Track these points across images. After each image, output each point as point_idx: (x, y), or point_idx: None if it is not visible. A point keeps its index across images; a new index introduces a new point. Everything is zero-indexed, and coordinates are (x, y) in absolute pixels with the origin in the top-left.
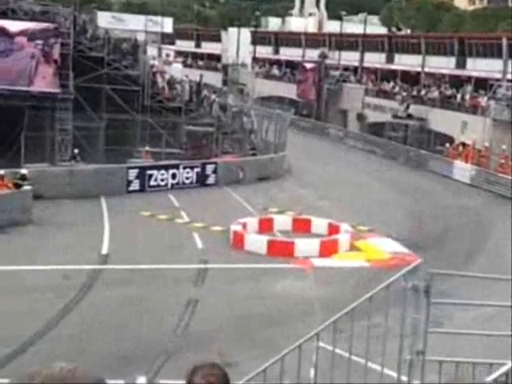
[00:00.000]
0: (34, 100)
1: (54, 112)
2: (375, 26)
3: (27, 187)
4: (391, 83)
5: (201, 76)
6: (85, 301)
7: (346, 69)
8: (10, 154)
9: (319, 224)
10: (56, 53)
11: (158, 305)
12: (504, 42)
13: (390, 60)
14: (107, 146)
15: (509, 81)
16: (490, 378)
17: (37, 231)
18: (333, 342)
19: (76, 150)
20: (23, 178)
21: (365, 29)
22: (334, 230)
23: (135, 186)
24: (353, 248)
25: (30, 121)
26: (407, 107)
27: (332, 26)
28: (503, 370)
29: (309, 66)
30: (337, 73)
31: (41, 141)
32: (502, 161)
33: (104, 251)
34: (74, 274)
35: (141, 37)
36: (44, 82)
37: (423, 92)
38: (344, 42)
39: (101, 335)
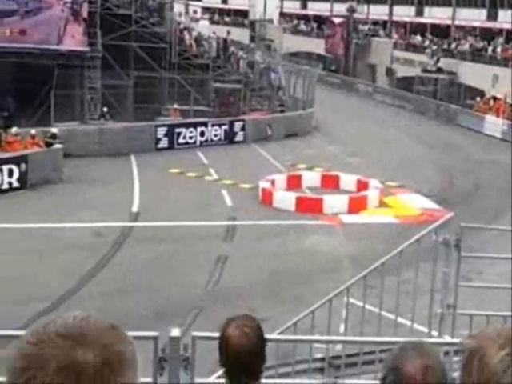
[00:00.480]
0: (63, 58)
1: (82, 70)
2: None
3: (58, 146)
4: (421, 37)
5: (228, 32)
6: (116, 258)
7: (374, 23)
8: (40, 112)
9: (348, 180)
10: (84, 11)
11: (188, 262)
12: None
13: (419, 13)
14: (135, 104)
15: None
16: None
17: (67, 189)
18: (363, 297)
19: (105, 109)
20: (54, 136)
21: None
22: (362, 186)
23: (164, 143)
24: (382, 204)
25: (60, 79)
26: (437, 61)
27: None
28: None
29: (337, 20)
30: (365, 27)
31: (70, 99)
32: None
33: (134, 209)
34: (105, 231)
35: None
36: (73, 41)
37: (453, 45)
38: None
39: (132, 292)
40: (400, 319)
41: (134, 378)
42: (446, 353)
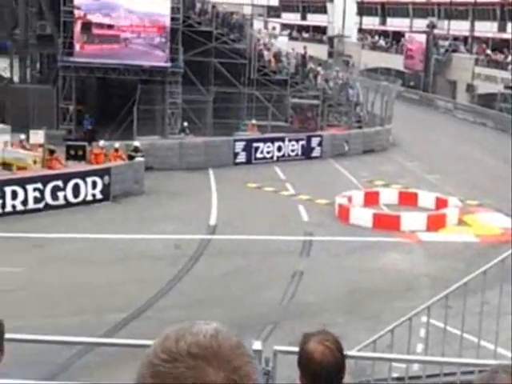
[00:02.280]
0: (145, 74)
1: (164, 86)
2: None
3: (140, 159)
4: (503, 53)
5: (305, 48)
6: (194, 270)
7: (455, 38)
8: (123, 126)
9: (426, 198)
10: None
11: (263, 276)
12: None
13: (502, 29)
14: (215, 119)
15: None
16: None
17: (148, 201)
18: (445, 317)
19: (185, 123)
20: (136, 150)
21: None
22: (441, 203)
23: (242, 158)
24: (461, 223)
25: (142, 94)
26: None
27: None
28: None
29: (416, 36)
30: (446, 43)
31: (152, 114)
32: None
33: (212, 222)
34: (183, 243)
35: (247, 10)
36: (155, 57)
37: None
38: (453, 11)
39: (209, 304)
40: (483, 342)
41: None
42: None
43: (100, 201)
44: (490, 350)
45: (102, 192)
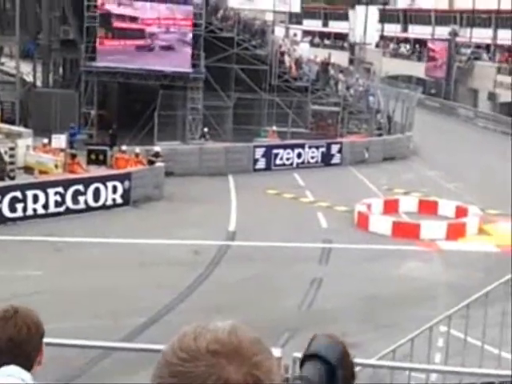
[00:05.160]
0: (167, 79)
1: (185, 91)
2: (510, 1)
3: (160, 164)
4: None
5: (329, 55)
6: (213, 276)
7: (477, 46)
8: (144, 131)
9: (446, 206)
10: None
11: (282, 282)
12: None
13: None
14: (235, 125)
15: None
16: None
17: (168, 207)
18: (465, 327)
19: (206, 129)
20: (157, 155)
21: (499, 4)
22: (461, 212)
23: (261, 164)
24: (481, 232)
25: (163, 100)
26: None
27: (463, 2)
28: None
29: (438, 43)
30: (468, 50)
31: (173, 119)
32: None
33: (231, 228)
34: (202, 249)
35: (269, 17)
36: (177, 62)
37: None
38: (476, 19)
39: (228, 309)
40: (503, 353)
41: None
42: None
43: (120, 205)
44: (509, 361)
45: (122, 197)
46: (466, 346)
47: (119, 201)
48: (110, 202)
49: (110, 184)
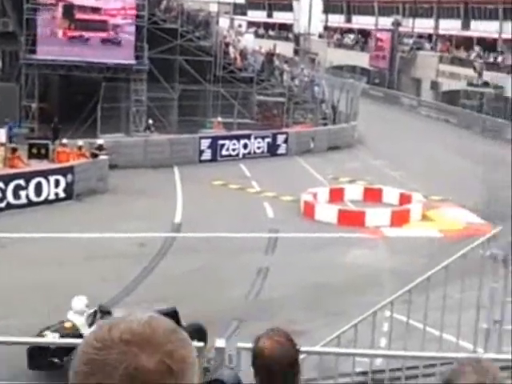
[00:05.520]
0: (110, 72)
1: (129, 83)
2: None
3: (104, 157)
4: (466, 50)
5: (274, 46)
6: (159, 268)
7: (419, 36)
8: (87, 124)
9: (390, 194)
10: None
11: (229, 272)
12: None
13: (465, 26)
14: (180, 117)
15: None
16: None
17: (113, 199)
18: (407, 311)
19: (150, 121)
20: (100, 148)
21: None
22: (405, 199)
23: (207, 155)
24: (425, 218)
25: (106, 92)
26: (480, 75)
27: None
28: None
29: (381, 34)
30: (410, 40)
31: (116, 112)
32: None
33: (177, 220)
34: (148, 241)
35: (213, 8)
36: (120, 54)
37: (500, 59)
38: (418, 9)
39: (175, 301)
40: (445, 335)
41: (195, 380)
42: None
43: (63, 199)
44: (452, 343)
45: (65, 191)
46: (408, 329)
47: (62, 195)
48: (52, 197)
49: (52, 178)
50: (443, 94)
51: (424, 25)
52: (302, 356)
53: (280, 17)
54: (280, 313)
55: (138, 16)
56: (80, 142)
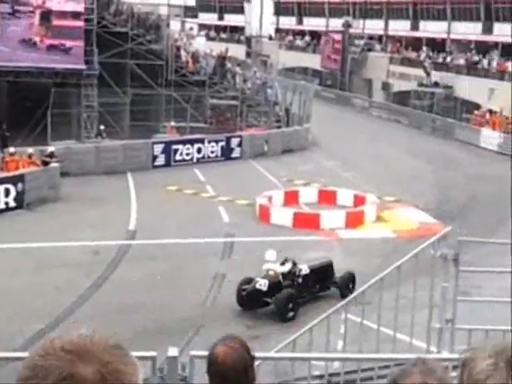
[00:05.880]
0: (59, 77)
1: (79, 89)
2: None
3: (55, 164)
4: (416, 51)
5: (226, 48)
6: (113, 276)
7: (370, 37)
8: (36, 131)
9: (345, 195)
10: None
11: (185, 279)
12: None
13: (414, 27)
14: (132, 122)
15: None
16: None
17: (65, 208)
18: (361, 313)
19: (102, 127)
20: (51, 155)
21: None
22: (359, 201)
23: (161, 161)
24: (379, 219)
25: (56, 98)
26: (428, 74)
27: None
28: None
29: (333, 35)
30: (361, 42)
31: (67, 118)
32: None
33: (131, 227)
34: (102, 249)
35: (164, 10)
36: (69, 59)
37: (449, 59)
38: (368, 10)
39: (131, 310)
40: (398, 335)
41: None
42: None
43: (13, 209)
44: (406, 343)
45: (15, 200)
46: (363, 330)
47: (12, 204)
48: (2, 206)
49: (1, 187)
50: (394, 95)
51: (374, 26)
52: (257, 362)
53: (231, 19)
54: (237, 319)
55: (87, 20)
56: (30, 150)
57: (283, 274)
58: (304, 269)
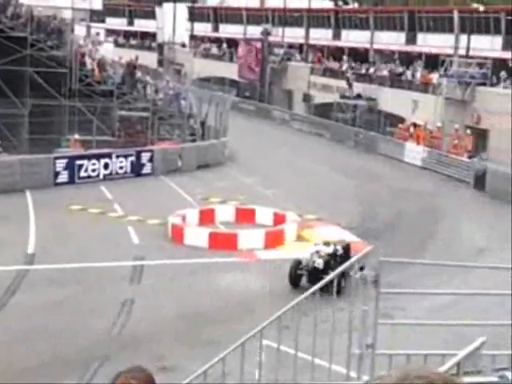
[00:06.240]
0: None
1: None
2: (321, 0)
3: None
4: (338, 61)
5: (136, 56)
6: (10, 305)
7: (290, 46)
8: None
9: (264, 214)
10: None
11: (91, 305)
12: (455, 15)
13: (336, 36)
14: (32, 135)
15: (461, 57)
16: (441, 369)
17: None
18: (278, 339)
19: None
20: None
21: (310, 3)
22: (279, 219)
23: (63, 177)
24: (300, 238)
25: None
26: (350, 86)
27: (275, 0)
28: (454, 360)
29: (251, 43)
30: (281, 51)
31: None
32: (455, 141)
33: (30, 250)
34: None
35: (67, 14)
36: None
37: (372, 70)
38: (288, 18)
39: (31, 338)
40: (318, 360)
41: None
42: None
43: None
44: (325, 368)
45: None
46: (281, 357)
47: None
48: None
49: None
50: (316, 107)
51: (294, 34)
52: None
53: (142, 24)
54: (148, 347)
55: None
56: None
57: (329, 254)
58: (339, 249)
